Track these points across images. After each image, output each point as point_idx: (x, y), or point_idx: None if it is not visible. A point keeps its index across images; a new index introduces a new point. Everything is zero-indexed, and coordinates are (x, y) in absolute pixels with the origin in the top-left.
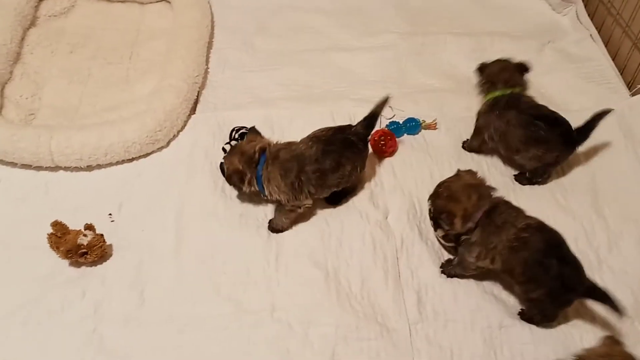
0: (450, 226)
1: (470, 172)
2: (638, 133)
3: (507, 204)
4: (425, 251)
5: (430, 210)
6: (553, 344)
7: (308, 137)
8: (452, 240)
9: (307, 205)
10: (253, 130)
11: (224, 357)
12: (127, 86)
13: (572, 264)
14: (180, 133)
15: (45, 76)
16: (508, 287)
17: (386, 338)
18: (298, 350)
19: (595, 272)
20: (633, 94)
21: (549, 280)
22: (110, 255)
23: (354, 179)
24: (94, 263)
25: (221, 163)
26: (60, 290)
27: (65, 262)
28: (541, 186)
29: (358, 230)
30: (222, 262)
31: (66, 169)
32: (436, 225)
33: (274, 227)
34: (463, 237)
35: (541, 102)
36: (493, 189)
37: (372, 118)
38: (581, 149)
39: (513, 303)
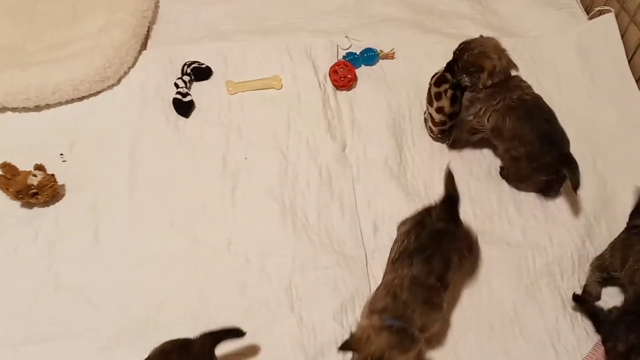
0: (477, 80)
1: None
2: (594, 56)
3: (517, 77)
4: (382, 181)
5: (455, 68)
6: (508, 269)
7: None
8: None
9: None
10: None
11: (181, 291)
12: (73, 22)
13: (558, 131)
14: (131, 70)
15: None
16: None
17: (343, 266)
18: (255, 281)
19: None
20: (590, 18)
21: (532, 139)
22: (63, 195)
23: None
24: (46, 203)
25: (174, 99)
26: (13, 231)
27: (17, 203)
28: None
29: (314, 162)
30: (177, 197)
31: (14, 109)
32: (459, 79)
33: None
34: (470, 94)
35: (500, 28)
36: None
37: (450, 200)
38: (540, 73)
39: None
